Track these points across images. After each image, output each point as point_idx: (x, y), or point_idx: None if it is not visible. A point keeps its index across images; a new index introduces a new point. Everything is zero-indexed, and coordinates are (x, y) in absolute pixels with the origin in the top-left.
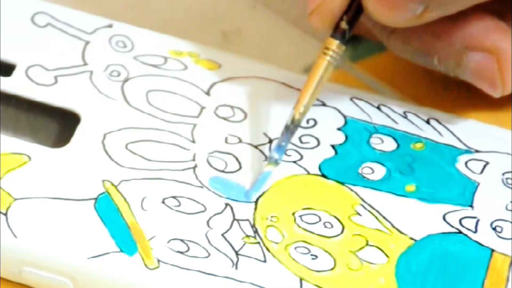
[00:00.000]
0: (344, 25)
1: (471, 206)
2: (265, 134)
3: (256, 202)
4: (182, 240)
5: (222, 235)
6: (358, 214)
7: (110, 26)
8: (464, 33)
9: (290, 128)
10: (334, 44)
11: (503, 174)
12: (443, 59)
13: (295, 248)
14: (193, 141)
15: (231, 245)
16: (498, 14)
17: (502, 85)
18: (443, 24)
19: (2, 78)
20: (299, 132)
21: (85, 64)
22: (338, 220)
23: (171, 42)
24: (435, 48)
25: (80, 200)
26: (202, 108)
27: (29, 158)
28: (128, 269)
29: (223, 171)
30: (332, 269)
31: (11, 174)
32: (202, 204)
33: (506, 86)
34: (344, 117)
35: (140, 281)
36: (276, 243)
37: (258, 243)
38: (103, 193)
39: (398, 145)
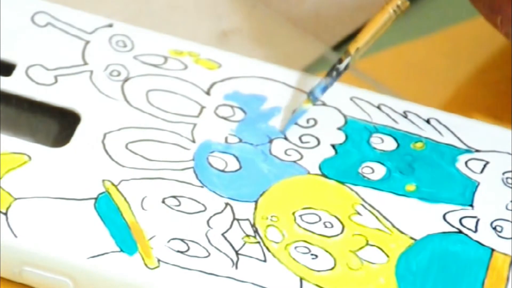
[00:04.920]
0: None
1: (471, 205)
2: (265, 134)
3: (256, 201)
4: (182, 240)
5: (222, 234)
6: (358, 213)
7: (110, 25)
8: None
9: (339, 69)
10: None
11: (503, 173)
12: (506, 22)
13: (295, 247)
14: (193, 141)
15: (231, 244)
16: None
17: None
18: None
19: (2, 78)
20: (299, 131)
21: (85, 63)
22: (338, 219)
23: (171, 42)
24: (501, 7)
25: (80, 200)
26: (202, 107)
27: (29, 158)
28: (128, 269)
29: (223, 171)
30: (332, 268)
31: (11, 174)
32: (202, 204)
33: None
34: (344, 116)
35: (140, 281)
36: (276, 242)
37: (258, 242)
38: (103, 192)
39: (398, 145)
